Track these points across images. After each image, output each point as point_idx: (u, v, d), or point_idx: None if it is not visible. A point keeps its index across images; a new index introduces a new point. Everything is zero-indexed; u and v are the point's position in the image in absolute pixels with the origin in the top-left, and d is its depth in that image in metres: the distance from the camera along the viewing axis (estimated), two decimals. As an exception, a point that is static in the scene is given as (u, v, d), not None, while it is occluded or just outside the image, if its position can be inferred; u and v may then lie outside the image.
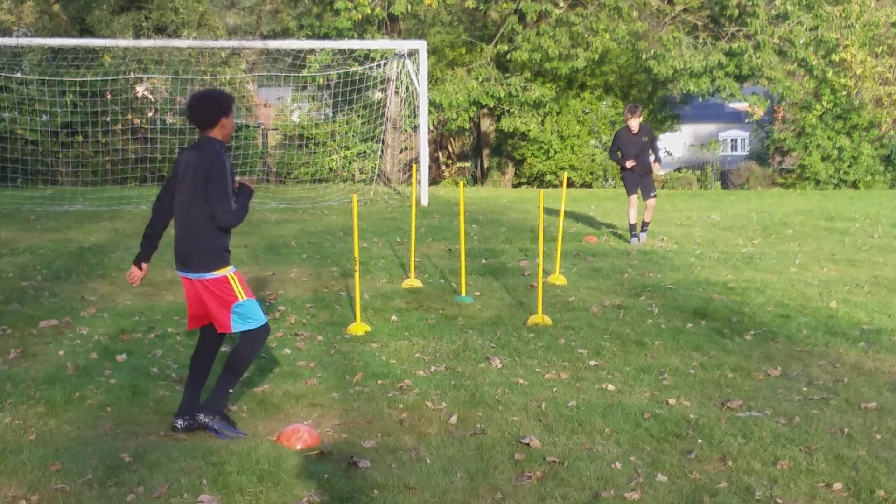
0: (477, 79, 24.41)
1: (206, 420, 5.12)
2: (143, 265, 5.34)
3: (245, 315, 5.07)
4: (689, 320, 7.99)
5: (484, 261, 10.85)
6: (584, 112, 26.18)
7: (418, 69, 17.71)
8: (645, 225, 12.56)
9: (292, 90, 25.49)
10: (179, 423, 5.21)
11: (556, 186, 23.87)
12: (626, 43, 24.62)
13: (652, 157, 12.62)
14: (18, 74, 20.43)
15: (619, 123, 24.11)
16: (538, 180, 26.36)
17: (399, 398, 5.84)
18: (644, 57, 24.30)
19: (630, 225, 12.49)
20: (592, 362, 6.72)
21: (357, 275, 7.79)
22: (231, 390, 5.27)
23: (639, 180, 12.34)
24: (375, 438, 5.12)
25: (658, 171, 12.47)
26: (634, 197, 12.39)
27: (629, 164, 12.26)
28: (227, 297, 5.04)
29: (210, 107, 5.09)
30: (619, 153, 12.40)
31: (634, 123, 12.26)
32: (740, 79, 25.14)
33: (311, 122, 24.26)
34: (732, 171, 32.80)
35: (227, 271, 5.07)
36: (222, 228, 5.03)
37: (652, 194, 12.40)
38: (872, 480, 4.52)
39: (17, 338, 7.20)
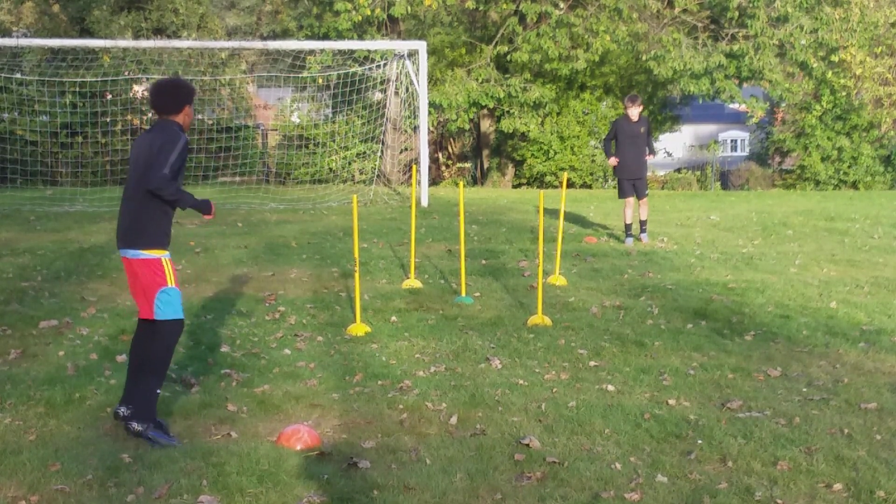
0: (477, 80, 24.40)
1: (139, 428, 5.00)
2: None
3: (167, 303, 5.05)
4: (689, 321, 7.99)
5: (484, 261, 10.85)
6: (584, 113, 26.19)
7: (418, 70, 17.71)
8: (643, 224, 12.58)
9: (292, 91, 25.48)
10: (122, 410, 5.16)
11: (555, 187, 23.87)
12: (626, 44, 24.62)
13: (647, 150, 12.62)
14: (18, 75, 20.43)
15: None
16: (538, 181, 26.36)
17: (399, 399, 5.84)
18: (644, 58, 24.30)
19: (625, 225, 12.51)
20: (592, 363, 6.72)
21: (357, 275, 7.79)
22: (158, 391, 5.13)
23: (634, 181, 12.39)
24: (375, 439, 5.12)
25: (651, 160, 12.49)
26: (631, 199, 12.45)
27: (612, 161, 12.46)
28: (158, 279, 5.04)
29: (179, 93, 5.16)
30: (613, 143, 12.50)
31: (634, 112, 12.34)
32: (740, 80, 25.15)
33: (310, 123, 24.26)
34: (732, 171, 32.83)
35: (163, 255, 5.08)
36: (156, 196, 4.95)
37: (645, 193, 12.52)
38: (872, 481, 4.52)
39: (17, 338, 7.20)
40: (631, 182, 12.40)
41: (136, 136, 21.91)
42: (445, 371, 6.49)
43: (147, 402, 5.06)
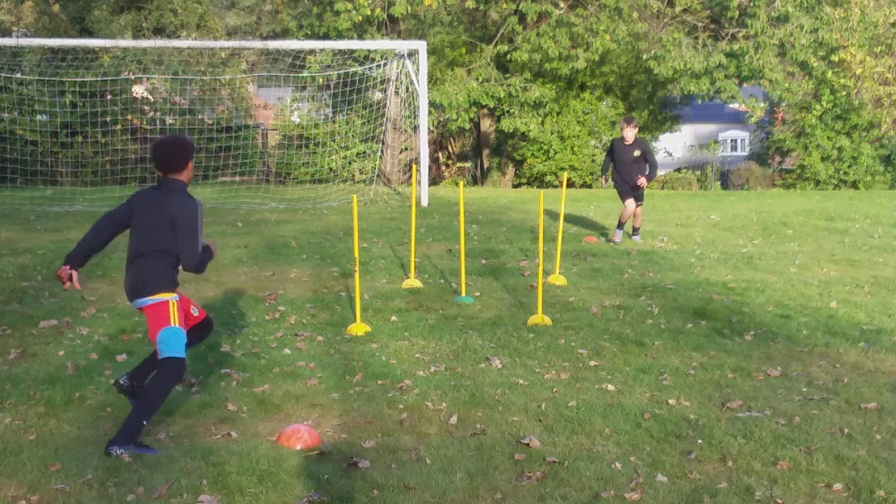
0: (477, 79, 24.41)
1: (119, 452, 4.77)
2: (75, 271, 5.16)
3: (168, 341, 5.02)
4: (689, 320, 7.99)
5: (484, 261, 10.85)
6: (584, 112, 26.19)
7: (418, 69, 17.71)
8: (636, 230, 12.59)
9: (292, 90, 25.49)
10: (124, 379, 5.30)
11: (556, 187, 23.88)
12: (627, 44, 24.63)
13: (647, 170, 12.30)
14: (18, 75, 20.43)
15: (620, 123, 24.14)
16: (538, 181, 26.37)
17: (399, 398, 5.84)
18: (644, 57, 24.31)
19: (619, 223, 12.48)
20: (592, 362, 6.72)
21: (357, 275, 7.79)
22: (145, 423, 4.95)
23: (630, 191, 12.23)
24: (375, 439, 5.12)
25: (642, 183, 12.23)
26: (630, 201, 12.26)
27: (602, 181, 12.82)
28: (162, 319, 5.04)
29: (182, 151, 5.15)
30: (610, 163, 12.53)
31: (628, 134, 12.12)
32: (740, 80, 25.15)
33: (311, 123, 24.26)
34: (732, 171, 32.81)
35: (170, 297, 5.08)
36: (183, 268, 5.09)
37: (639, 203, 12.37)
38: (872, 480, 4.52)
39: (17, 338, 7.20)
40: (628, 192, 12.19)
41: (135, 135, 22.04)
42: (445, 371, 6.49)
43: (133, 428, 4.89)
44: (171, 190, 5.08)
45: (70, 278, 5.14)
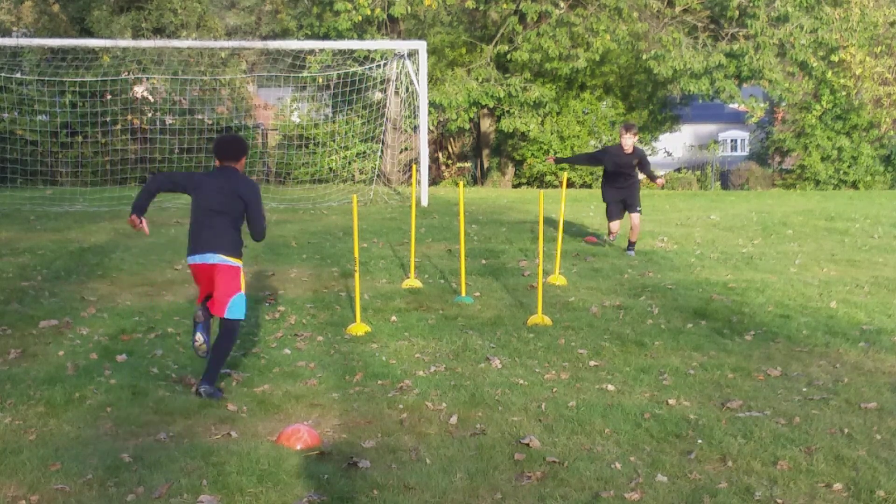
0: (477, 79, 24.41)
1: (202, 390, 5.81)
2: (144, 218, 6.00)
3: (238, 305, 5.96)
4: (689, 320, 7.99)
5: (484, 261, 10.85)
6: (584, 112, 26.19)
7: (418, 69, 17.72)
8: (631, 245, 11.55)
9: (292, 90, 25.49)
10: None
11: (555, 187, 23.87)
12: (627, 43, 24.63)
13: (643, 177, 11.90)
14: (18, 75, 20.42)
15: (619, 123, 24.15)
16: (538, 181, 26.37)
17: (399, 398, 5.84)
18: (644, 57, 24.31)
19: (610, 234, 11.98)
20: (592, 362, 6.72)
21: (357, 275, 7.79)
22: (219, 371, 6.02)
23: (624, 200, 11.61)
24: (375, 439, 5.12)
25: (660, 185, 11.95)
26: (616, 223, 11.74)
27: (551, 159, 12.88)
28: (235, 285, 5.95)
29: (240, 145, 6.19)
30: (592, 165, 12.07)
31: (627, 142, 11.28)
32: (740, 80, 25.17)
33: (310, 123, 24.25)
34: (732, 171, 32.82)
35: (241, 264, 6.02)
36: (253, 237, 6.21)
37: (637, 209, 11.51)
38: (872, 480, 4.52)
39: (17, 338, 7.20)
40: (618, 207, 11.64)
41: (135, 135, 22.05)
42: (445, 371, 6.49)
43: (214, 376, 5.91)
44: (232, 172, 6.01)
45: (140, 222, 5.95)
